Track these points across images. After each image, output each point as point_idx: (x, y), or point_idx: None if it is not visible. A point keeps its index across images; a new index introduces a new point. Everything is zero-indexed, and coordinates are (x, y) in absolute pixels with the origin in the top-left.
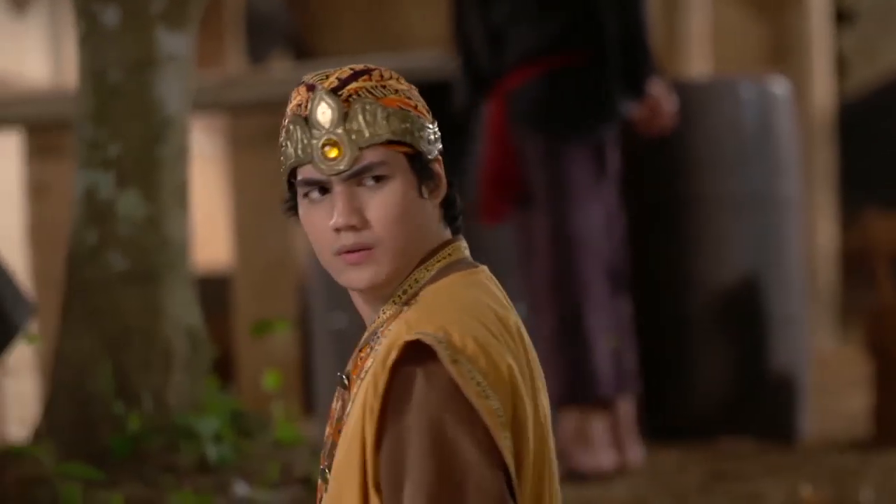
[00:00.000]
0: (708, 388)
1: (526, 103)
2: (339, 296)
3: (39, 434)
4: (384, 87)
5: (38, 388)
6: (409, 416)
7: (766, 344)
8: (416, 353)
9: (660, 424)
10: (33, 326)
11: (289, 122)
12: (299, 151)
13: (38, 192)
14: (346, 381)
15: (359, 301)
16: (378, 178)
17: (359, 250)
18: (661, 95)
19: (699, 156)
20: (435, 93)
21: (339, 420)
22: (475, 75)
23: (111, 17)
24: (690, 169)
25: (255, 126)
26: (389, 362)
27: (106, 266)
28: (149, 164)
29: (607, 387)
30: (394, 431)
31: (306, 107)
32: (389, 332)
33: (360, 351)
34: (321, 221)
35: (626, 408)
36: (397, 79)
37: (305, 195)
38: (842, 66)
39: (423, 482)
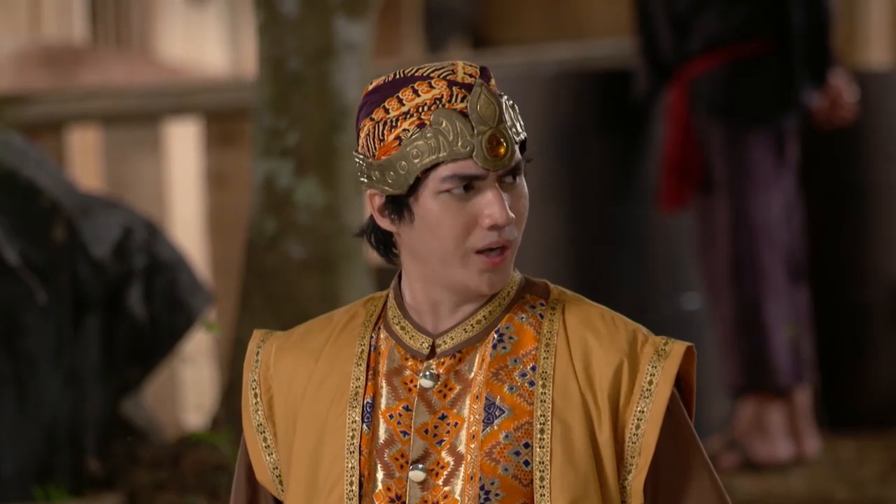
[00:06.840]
0: (885, 378)
1: (709, 91)
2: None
3: (217, 421)
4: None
5: (215, 375)
6: (678, 408)
7: None
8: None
9: (837, 414)
10: (211, 314)
11: (429, 115)
12: (457, 145)
13: (216, 181)
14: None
15: (435, 294)
16: (516, 175)
17: (501, 249)
18: (842, 86)
19: (877, 145)
20: (615, 81)
21: (438, 417)
22: (657, 63)
23: (290, 6)
24: (868, 158)
25: None
26: (674, 367)
27: (284, 254)
28: (327, 153)
29: (785, 376)
30: (674, 420)
31: (458, 100)
32: (551, 333)
33: (462, 352)
34: (462, 218)
35: (803, 397)
36: None
37: (447, 191)
38: None
39: (705, 459)
